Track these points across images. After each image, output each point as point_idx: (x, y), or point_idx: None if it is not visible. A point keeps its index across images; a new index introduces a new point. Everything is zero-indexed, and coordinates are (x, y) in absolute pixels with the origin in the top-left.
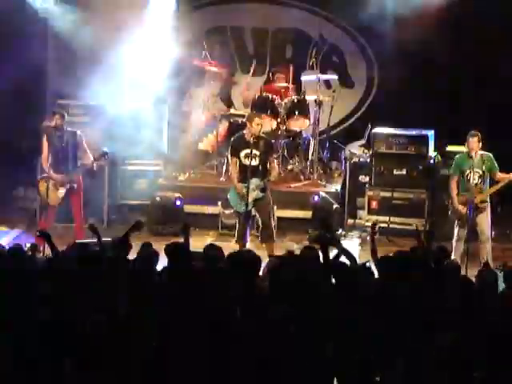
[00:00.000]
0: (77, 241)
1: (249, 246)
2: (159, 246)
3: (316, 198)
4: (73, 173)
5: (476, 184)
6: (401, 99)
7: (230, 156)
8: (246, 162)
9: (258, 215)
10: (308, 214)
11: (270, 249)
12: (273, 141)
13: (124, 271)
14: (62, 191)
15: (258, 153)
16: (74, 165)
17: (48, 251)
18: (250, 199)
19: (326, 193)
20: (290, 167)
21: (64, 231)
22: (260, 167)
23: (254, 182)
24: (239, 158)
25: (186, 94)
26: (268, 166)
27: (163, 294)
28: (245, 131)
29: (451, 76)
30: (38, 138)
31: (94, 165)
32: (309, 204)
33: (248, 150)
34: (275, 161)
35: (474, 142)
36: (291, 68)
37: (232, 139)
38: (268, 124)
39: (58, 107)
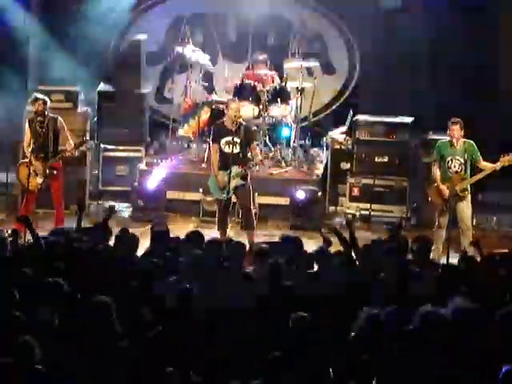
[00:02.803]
0: (58, 227)
1: (229, 232)
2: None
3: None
4: (53, 159)
5: (457, 172)
6: (382, 86)
7: (210, 143)
8: (227, 149)
9: (238, 202)
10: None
11: (251, 236)
12: (254, 128)
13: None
14: (41, 177)
15: (238, 140)
16: (55, 151)
17: (29, 237)
18: (231, 187)
19: (308, 180)
20: (271, 154)
21: (45, 217)
22: (241, 154)
23: (235, 169)
24: (220, 145)
25: (168, 80)
26: (249, 152)
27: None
28: (225, 118)
29: (433, 63)
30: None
31: (75, 151)
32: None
33: (229, 138)
34: (257, 147)
35: (456, 129)
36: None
37: (213, 126)
38: (250, 111)
39: (40, 92)
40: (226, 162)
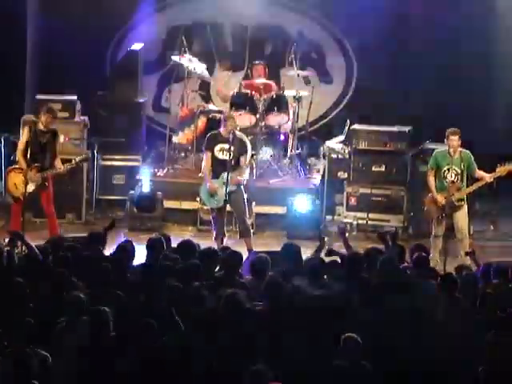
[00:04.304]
0: (52, 236)
1: (227, 241)
2: (137, 242)
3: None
4: (48, 171)
5: (453, 181)
6: (379, 96)
7: (204, 150)
8: (220, 156)
9: (232, 209)
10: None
11: (249, 243)
12: (250, 137)
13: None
14: (31, 186)
15: (232, 147)
16: (50, 163)
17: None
18: (222, 194)
19: (305, 189)
20: (267, 163)
21: (42, 226)
22: (233, 162)
23: (226, 176)
24: (213, 152)
25: (165, 89)
26: (240, 162)
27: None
28: (221, 129)
29: (430, 72)
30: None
31: (67, 169)
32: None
33: (222, 145)
34: (247, 160)
35: (455, 139)
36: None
37: (208, 135)
38: (246, 120)
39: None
40: (219, 168)
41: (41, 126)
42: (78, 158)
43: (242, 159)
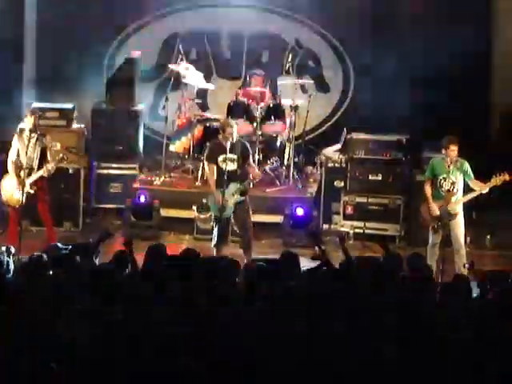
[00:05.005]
0: (50, 244)
1: (225, 250)
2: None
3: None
4: (37, 177)
5: (448, 190)
6: (376, 104)
7: (206, 163)
8: (224, 166)
9: (236, 220)
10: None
11: (249, 255)
12: (248, 144)
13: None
14: (25, 193)
15: (235, 156)
16: (40, 168)
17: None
18: (231, 204)
19: (301, 198)
20: (265, 171)
21: (38, 235)
22: (238, 171)
23: (233, 186)
24: (217, 163)
25: (162, 97)
26: (247, 168)
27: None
28: (220, 137)
29: (427, 81)
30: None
31: (49, 170)
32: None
33: (225, 155)
34: (253, 163)
35: (456, 149)
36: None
37: (208, 146)
38: (244, 128)
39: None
40: (224, 179)
41: (27, 132)
42: (55, 161)
43: (248, 162)
